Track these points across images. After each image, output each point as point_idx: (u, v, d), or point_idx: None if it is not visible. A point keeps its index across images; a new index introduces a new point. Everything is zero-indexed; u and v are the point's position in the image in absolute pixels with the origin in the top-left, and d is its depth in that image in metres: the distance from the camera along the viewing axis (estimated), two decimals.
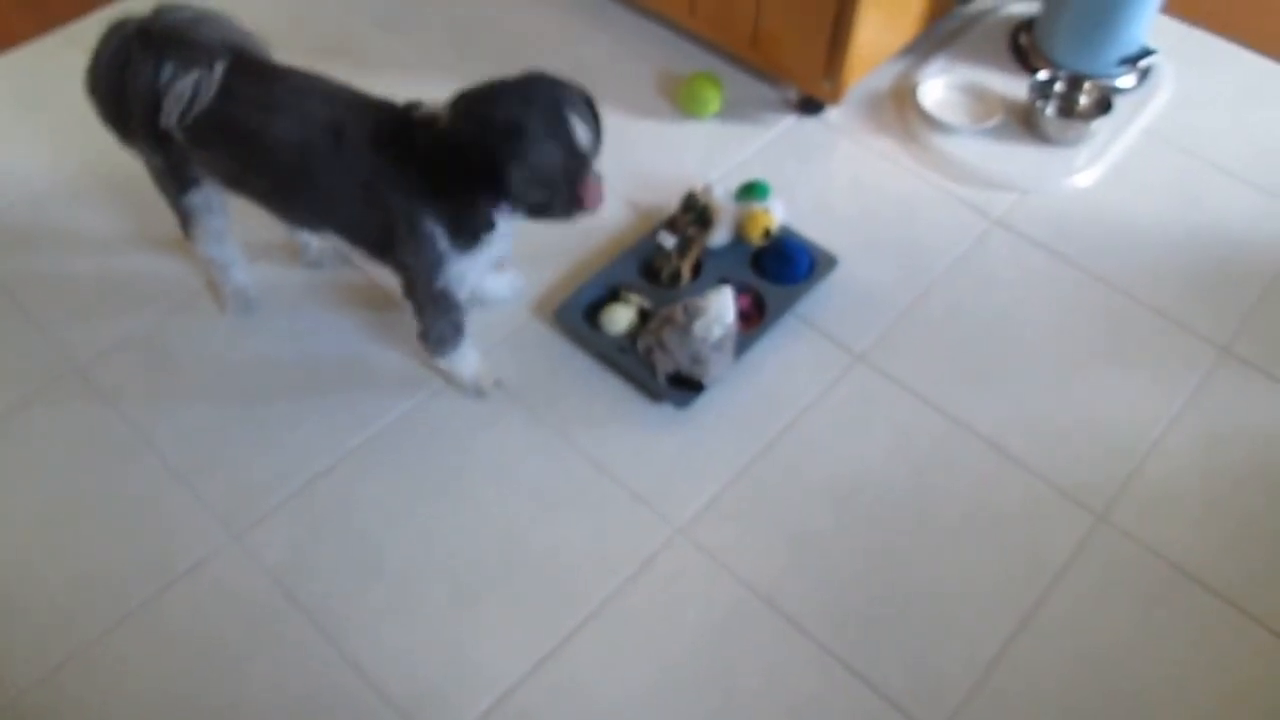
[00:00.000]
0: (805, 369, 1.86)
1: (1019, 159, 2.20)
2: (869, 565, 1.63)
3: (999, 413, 1.81)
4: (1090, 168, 2.19)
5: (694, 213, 1.93)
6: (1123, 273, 2.03)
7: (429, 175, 1.45)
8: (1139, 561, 1.65)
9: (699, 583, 1.61)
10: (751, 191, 1.97)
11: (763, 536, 1.66)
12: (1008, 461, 1.76)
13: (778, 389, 1.83)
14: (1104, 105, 2.22)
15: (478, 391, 1.79)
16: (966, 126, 2.23)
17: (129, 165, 1.70)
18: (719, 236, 1.94)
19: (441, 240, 1.53)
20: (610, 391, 1.82)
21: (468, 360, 1.77)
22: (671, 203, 2.04)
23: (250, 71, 1.50)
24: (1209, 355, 1.91)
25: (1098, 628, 1.57)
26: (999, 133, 2.23)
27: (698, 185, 2.02)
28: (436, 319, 1.68)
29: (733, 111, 2.30)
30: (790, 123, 2.29)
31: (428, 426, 1.77)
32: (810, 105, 2.28)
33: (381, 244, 1.57)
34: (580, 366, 1.85)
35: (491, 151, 1.39)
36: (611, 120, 2.31)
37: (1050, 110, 2.25)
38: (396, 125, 1.47)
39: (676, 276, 1.89)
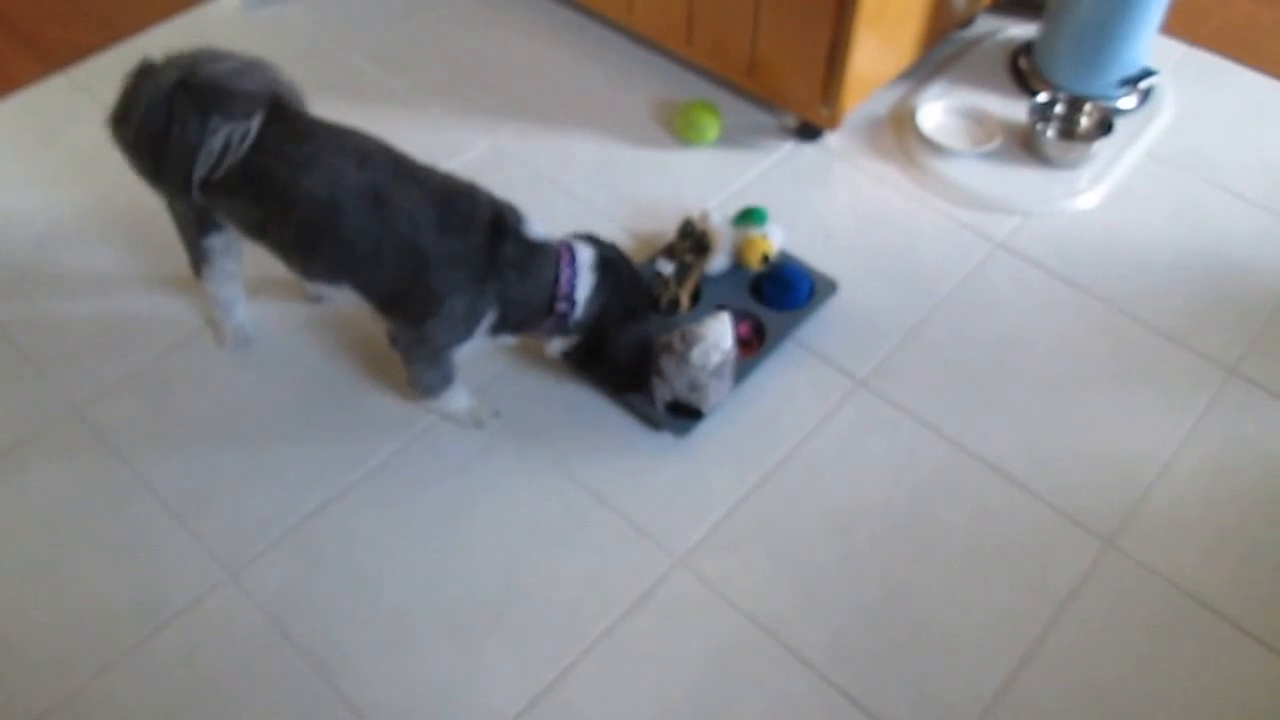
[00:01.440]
0: (806, 395, 1.84)
1: (1020, 182, 2.18)
2: (872, 595, 1.60)
3: (1003, 438, 1.79)
4: (1092, 190, 2.17)
5: (691, 239, 1.92)
6: (1127, 295, 2.00)
7: (520, 285, 1.55)
8: (1148, 589, 1.61)
9: (700, 614, 1.58)
10: (749, 217, 1.96)
11: (764, 566, 1.63)
12: (1013, 487, 1.73)
13: (778, 416, 1.81)
14: (1105, 126, 2.21)
15: (476, 423, 1.77)
16: (966, 150, 2.22)
17: (130, 206, 1.70)
18: (717, 263, 1.92)
19: (487, 322, 1.58)
20: (608, 421, 1.80)
21: (458, 399, 1.75)
22: (669, 230, 2.02)
23: (285, 122, 1.49)
24: (1216, 377, 1.88)
25: (1107, 657, 1.54)
26: (999, 156, 2.22)
27: (695, 212, 2.00)
28: (427, 368, 1.67)
29: (731, 138, 2.29)
30: (789, 149, 2.28)
31: (424, 460, 1.75)
32: (808, 131, 2.27)
33: (399, 303, 1.56)
34: (577, 396, 1.83)
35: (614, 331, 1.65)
36: (609, 149, 2.33)
37: (1051, 132, 2.23)
38: (479, 220, 1.51)
39: (675, 304, 1.87)
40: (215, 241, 1.70)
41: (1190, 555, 1.65)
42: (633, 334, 1.66)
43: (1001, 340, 1.93)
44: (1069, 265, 2.06)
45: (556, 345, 1.71)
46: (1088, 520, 1.69)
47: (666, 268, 1.91)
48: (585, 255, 1.61)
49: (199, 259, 1.74)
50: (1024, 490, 1.72)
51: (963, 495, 1.71)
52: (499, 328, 1.62)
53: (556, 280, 1.59)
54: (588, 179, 2.20)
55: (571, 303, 1.60)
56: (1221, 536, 1.67)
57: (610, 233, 2.08)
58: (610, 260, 1.63)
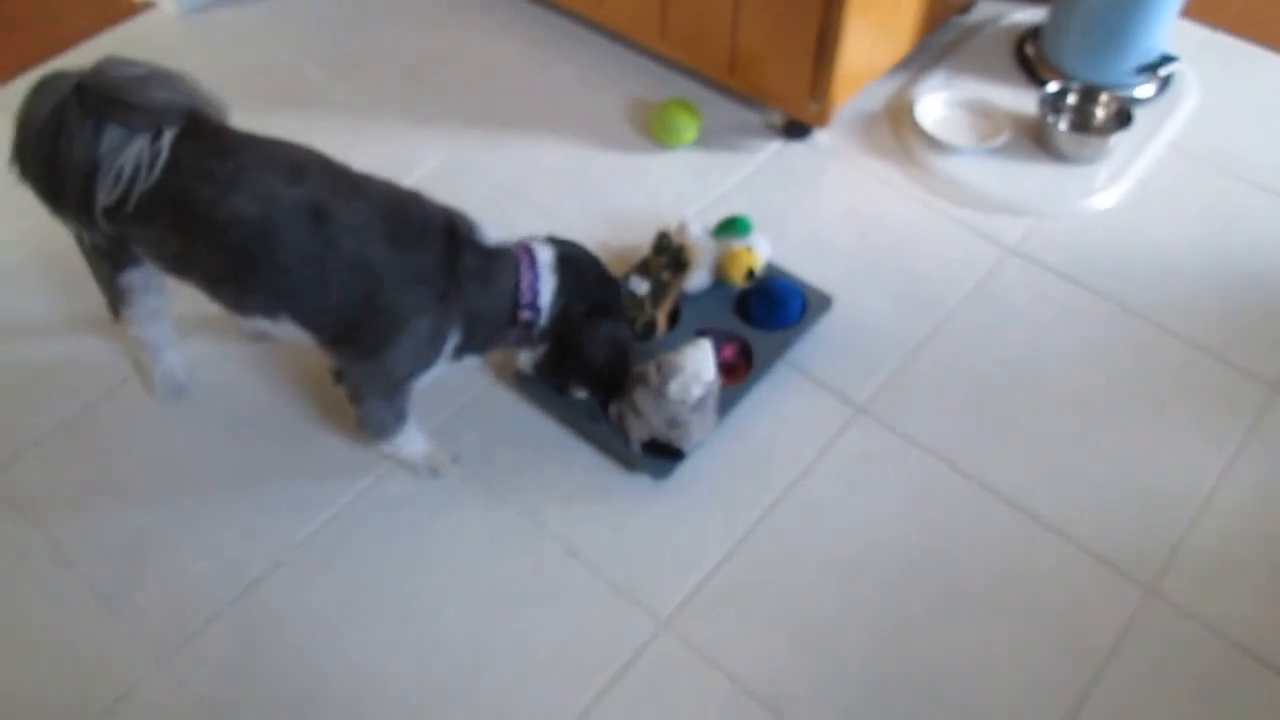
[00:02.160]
0: (800, 425, 1.64)
1: (1031, 180, 1.99)
2: (882, 656, 1.41)
3: (1024, 469, 1.59)
4: (1111, 187, 1.98)
5: (668, 254, 1.72)
6: (1154, 303, 1.81)
7: (483, 298, 1.40)
8: (1196, 641, 1.42)
9: (688, 685, 1.38)
10: (731, 228, 1.76)
11: (759, 627, 1.44)
12: (1037, 527, 1.53)
13: (770, 450, 1.61)
14: (1123, 118, 2.01)
15: (432, 471, 1.58)
16: (971, 146, 2.03)
17: (52, 241, 1.50)
18: (697, 279, 1.73)
19: (451, 343, 1.41)
20: (581, 463, 1.60)
21: (413, 441, 1.55)
22: (646, 242, 1.83)
23: (204, 137, 1.31)
24: (1258, 395, 1.69)
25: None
26: (1007, 151, 2.03)
27: (672, 223, 1.81)
28: (380, 407, 1.48)
29: (711, 139, 2.09)
30: (775, 149, 2.09)
31: (377, 515, 1.55)
32: (797, 129, 2.08)
33: (351, 333, 1.37)
34: (546, 435, 1.64)
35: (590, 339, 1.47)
36: (578, 155, 2.13)
37: (1063, 125, 2.05)
38: (433, 228, 1.36)
39: (651, 327, 1.67)
40: (134, 277, 1.51)
41: (1242, 601, 1.46)
42: (604, 332, 1.48)
43: (1017, 357, 1.74)
44: (1088, 271, 1.86)
45: (526, 359, 1.55)
46: (1125, 564, 1.49)
47: (641, 286, 1.71)
48: (545, 256, 1.45)
49: (116, 298, 1.55)
50: (1051, 530, 1.53)
51: (982, 538, 1.52)
52: (463, 349, 1.44)
53: (518, 287, 1.42)
54: (555, 189, 2.01)
55: (536, 310, 1.43)
56: (1274, 576, 1.48)
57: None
58: (570, 257, 1.47)
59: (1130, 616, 1.44)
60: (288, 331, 1.40)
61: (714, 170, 2.04)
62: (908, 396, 1.68)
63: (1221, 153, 2.07)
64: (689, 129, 2.04)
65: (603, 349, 1.49)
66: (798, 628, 1.44)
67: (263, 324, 1.41)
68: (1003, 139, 2.03)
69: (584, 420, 1.60)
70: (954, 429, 1.64)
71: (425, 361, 1.41)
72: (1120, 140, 2.00)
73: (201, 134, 1.31)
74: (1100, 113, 2.07)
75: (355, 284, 1.32)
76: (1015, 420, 1.66)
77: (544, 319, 1.45)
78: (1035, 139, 2.05)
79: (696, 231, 1.74)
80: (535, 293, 1.43)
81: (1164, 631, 1.43)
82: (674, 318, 1.72)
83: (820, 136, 2.10)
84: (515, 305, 1.43)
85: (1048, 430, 1.64)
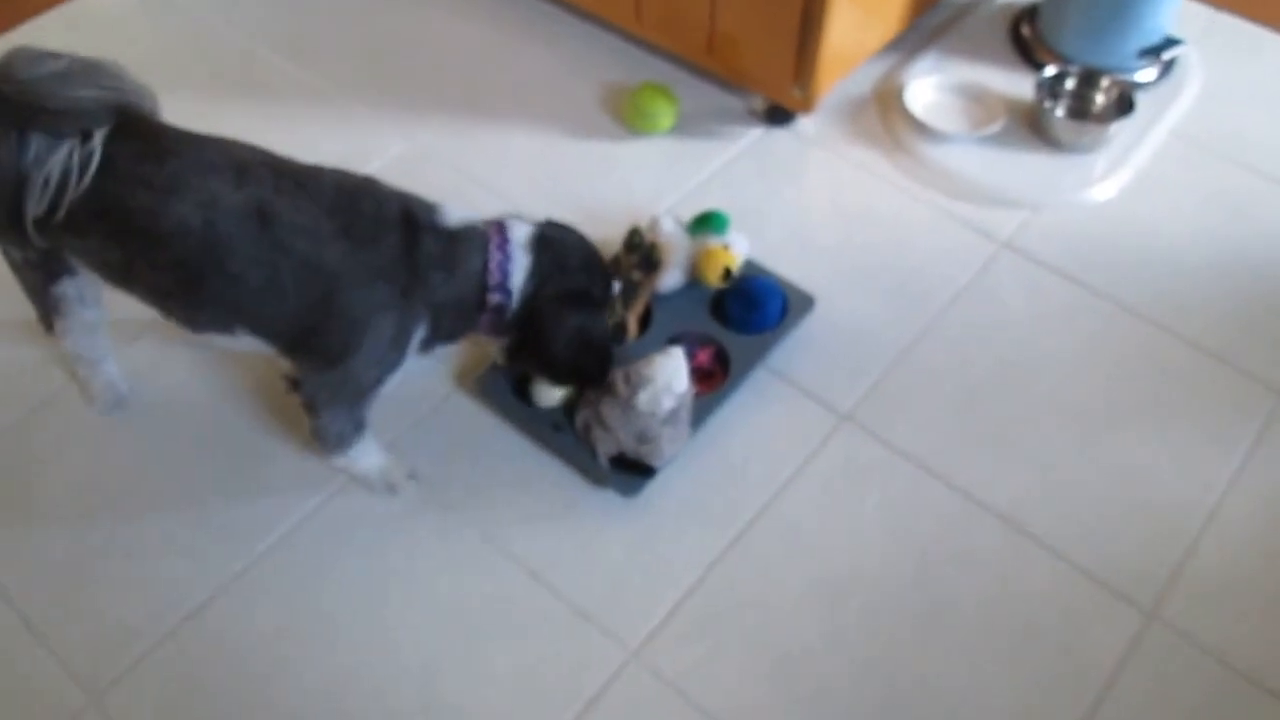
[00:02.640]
0: (780, 436, 1.54)
1: (1027, 169, 1.88)
2: (867, 688, 1.31)
3: (1019, 483, 1.50)
4: (1110, 177, 1.87)
5: (639, 253, 1.61)
6: (1155, 302, 1.71)
7: (448, 285, 1.28)
8: (1199, 670, 1.33)
9: None
10: (707, 224, 1.65)
11: (735, 656, 1.34)
12: (1032, 546, 1.44)
13: (747, 464, 1.51)
14: (1124, 104, 1.90)
15: (389, 488, 1.47)
16: (963, 133, 1.92)
17: None
18: (670, 279, 1.62)
19: (418, 338, 1.31)
20: (545, 479, 1.50)
21: (370, 454, 1.45)
22: (618, 237, 1.71)
23: (138, 138, 1.20)
24: (1265, 401, 1.59)
25: None
26: (1002, 139, 1.92)
27: (644, 219, 1.70)
28: (339, 416, 1.37)
29: (688, 126, 1.98)
30: (756, 136, 1.97)
31: (328, 536, 1.45)
32: (779, 115, 1.97)
33: (312, 341, 1.27)
34: (509, 449, 1.53)
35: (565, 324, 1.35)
36: (548, 143, 2.01)
37: (1061, 111, 1.94)
38: (388, 218, 1.25)
39: (621, 330, 1.57)
40: (68, 288, 1.39)
41: (1245, 627, 1.37)
42: (573, 322, 1.36)
43: (1010, 361, 1.64)
44: (1086, 267, 1.76)
45: (499, 341, 1.44)
46: (1124, 586, 1.40)
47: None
48: (519, 233, 1.33)
49: (49, 311, 1.43)
50: (1046, 550, 1.43)
51: (974, 559, 1.43)
52: (431, 341, 1.34)
53: (486, 268, 1.30)
54: (524, 179, 1.89)
55: (506, 292, 1.31)
56: None
57: None
58: (549, 238, 1.35)
59: (1130, 643, 1.35)
60: (247, 345, 1.29)
61: (691, 159, 1.93)
62: (895, 404, 1.58)
63: (1226, 140, 1.96)
64: (665, 115, 1.93)
65: (569, 342, 1.37)
66: (777, 657, 1.34)
67: (220, 341, 1.30)
68: (997, 126, 1.92)
69: (549, 433, 1.49)
70: (944, 439, 1.54)
71: (391, 364, 1.31)
72: (1121, 128, 1.89)
73: (135, 133, 1.20)
74: (1100, 98, 1.96)
75: (310, 287, 1.22)
76: (1008, 430, 1.56)
77: (516, 301, 1.33)
78: (1031, 126, 1.94)
79: (670, 228, 1.64)
80: (505, 273, 1.31)
81: (1165, 659, 1.34)
82: (645, 320, 1.61)
83: (804, 123, 1.99)
84: (484, 288, 1.31)
85: (1043, 441, 1.54)
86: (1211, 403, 1.59)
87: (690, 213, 1.71)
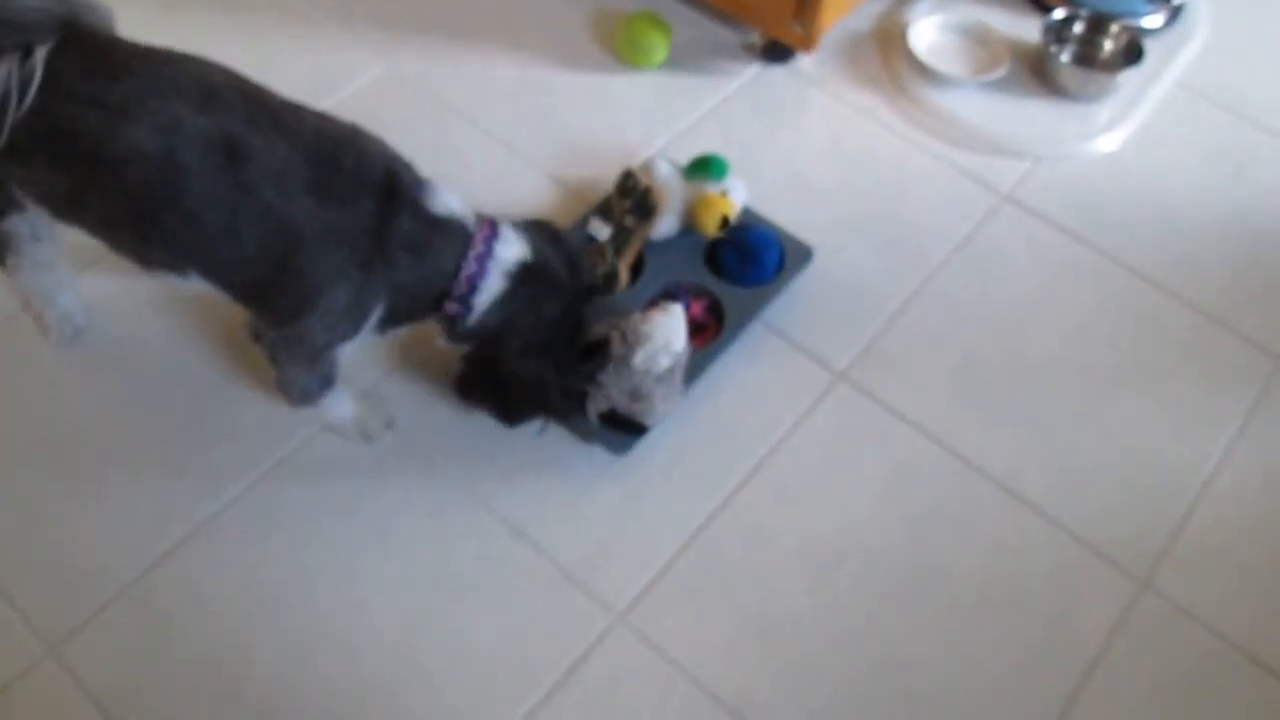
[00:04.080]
0: (774, 394, 1.49)
1: (1030, 118, 1.83)
2: (857, 655, 1.29)
3: (1015, 446, 1.47)
4: (1115, 129, 1.82)
5: (633, 197, 1.54)
6: (1156, 261, 1.67)
7: (412, 271, 1.20)
8: (1194, 643, 1.32)
9: (645, 689, 1.26)
10: (705, 169, 1.57)
11: (725, 623, 1.31)
12: (1028, 512, 1.41)
13: (739, 422, 1.47)
14: (1133, 52, 1.84)
15: (364, 436, 1.41)
16: (966, 77, 1.85)
17: None
18: (665, 225, 1.55)
19: (376, 315, 1.22)
20: (530, 432, 1.44)
21: (341, 404, 1.38)
22: (607, 177, 1.64)
23: (88, 54, 1.09)
24: (1264, 366, 1.57)
25: None
26: (1005, 85, 1.86)
27: (637, 159, 1.62)
28: (301, 372, 1.31)
29: (682, 60, 1.88)
30: (753, 74, 1.89)
31: (299, 487, 1.38)
32: (777, 52, 1.88)
33: (264, 295, 1.20)
34: None
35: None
36: (534, 73, 1.91)
37: (1067, 57, 1.87)
38: (367, 180, 1.16)
39: (612, 278, 1.50)
40: (18, 225, 1.30)
41: (1238, 597, 1.36)
42: (532, 373, 1.29)
43: (1009, 320, 1.60)
44: (1086, 223, 1.71)
45: (455, 343, 1.36)
46: (1119, 555, 1.38)
47: (602, 231, 1.53)
48: (507, 253, 1.23)
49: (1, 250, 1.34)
50: (1042, 517, 1.41)
51: (968, 524, 1.40)
52: (387, 323, 1.26)
53: (457, 272, 1.21)
54: (507, 111, 1.79)
55: (467, 307, 1.24)
56: (1275, 570, 1.38)
57: (535, 180, 1.70)
58: (538, 272, 1.25)
59: (1122, 612, 1.34)
60: (200, 287, 1.21)
61: (684, 96, 1.84)
62: (891, 362, 1.54)
63: (1231, 92, 1.91)
64: (659, 48, 1.83)
65: (521, 390, 1.31)
66: (765, 622, 1.31)
67: (172, 280, 1.22)
68: (1001, 71, 1.85)
69: None
70: (939, 400, 1.51)
71: (345, 333, 1.23)
72: (1129, 77, 1.82)
73: (85, 48, 1.10)
74: (1109, 45, 1.89)
75: (269, 240, 1.13)
76: (1005, 392, 1.52)
77: (470, 321, 1.25)
78: (1036, 72, 1.88)
79: (665, 171, 1.56)
80: (472, 288, 1.22)
81: (1157, 629, 1.33)
82: (637, 268, 1.54)
83: (803, 62, 1.90)
84: (444, 292, 1.23)
85: (1039, 404, 1.51)
86: (1209, 367, 1.56)
87: (683, 153, 1.63)
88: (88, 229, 1.20)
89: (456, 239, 1.21)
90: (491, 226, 1.24)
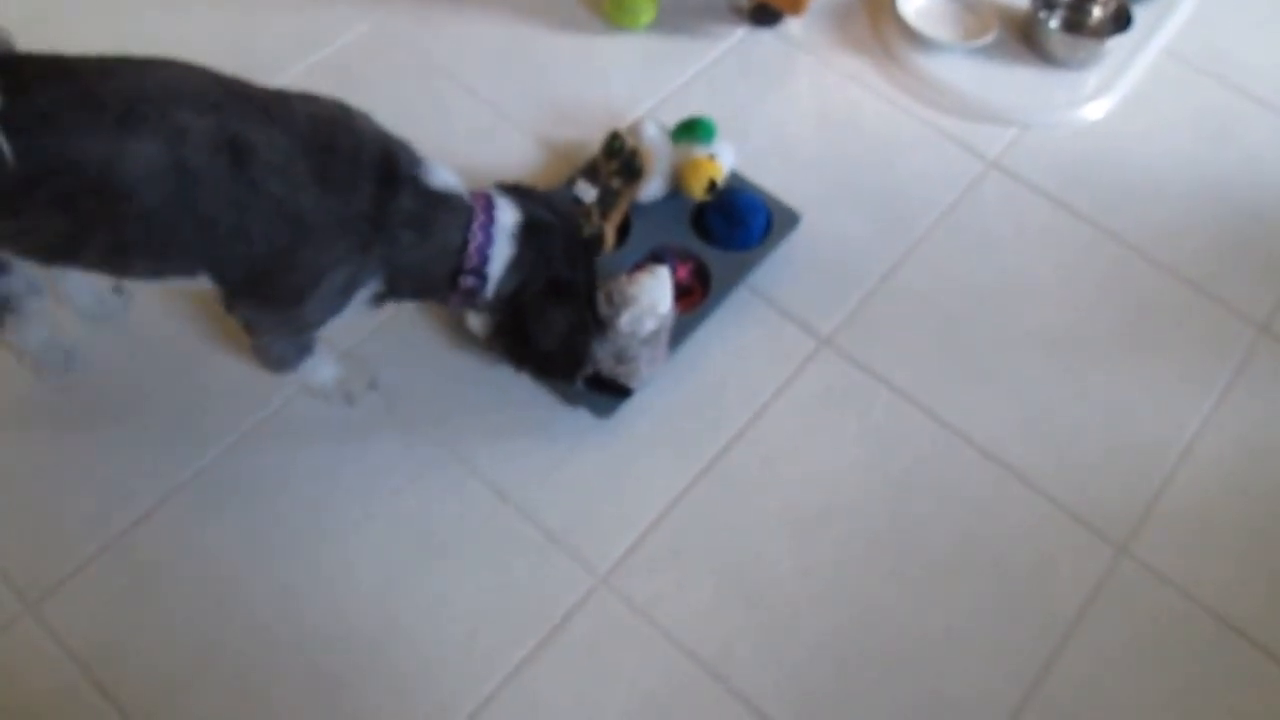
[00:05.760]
0: (759, 358, 1.50)
1: (1018, 84, 1.82)
2: (839, 621, 1.30)
3: (998, 413, 1.47)
4: (1101, 96, 1.82)
5: (620, 159, 1.53)
6: (1141, 229, 1.67)
7: (416, 249, 1.17)
8: (1170, 609, 1.34)
9: (627, 650, 1.27)
10: (693, 131, 1.56)
11: (707, 585, 1.32)
12: (1009, 477, 1.42)
13: (724, 386, 1.47)
14: (1122, 19, 1.83)
15: (346, 398, 1.40)
16: (955, 43, 1.84)
17: None
18: (652, 188, 1.54)
19: (369, 291, 1.21)
20: (514, 395, 1.44)
21: (321, 367, 1.37)
22: (593, 138, 1.62)
23: (53, 81, 1.01)
24: (1245, 336, 1.58)
25: (1123, 693, 1.27)
26: (993, 51, 1.85)
27: (624, 120, 1.60)
28: (279, 340, 1.28)
29: (670, 21, 1.87)
30: (741, 36, 1.87)
31: (281, 447, 1.38)
32: (765, 14, 1.87)
33: (261, 285, 1.16)
34: (475, 362, 1.46)
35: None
36: (520, 33, 1.88)
37: (1056, 23, 1.86)
38: (364, 162, 1.12)
39: (598, 240, 1.49)
40: (10, 284, 1.24)
41: (1214, 563, 1.38)
42: (560, 318, 1.28)
43: (994, 287, 1.60)
44: (1072, 190, 1.72)
45: (475, 321, 1.36)
46: (1097, 521, 1.40)
47: (588, 194, 1.52)
48: (506, 218, 1.22)
49: None
50: (1023, 482, 1.42)
51: (951, 490, 1.41)
52: (385, 297, 1.23)
53: (465, 248, 1.20)
54: (493, 72, 1.78)
55: (482, 278, 1.22)
56: (1257, 539, 1.40)
57: (520, 142, 1.68)
58: (537, 225, 1.24)
59: (1100, 578, 1.36)
60: (190, 285, 1.18)
61: (671, 58, 1.83)
62: (876, 328, 1.54)
63: (1217, 59, 1.91)
64: (646, 8, 1.82)
65: (554, 338, 1.29)
66: (748, 587, 1.32)
67: (178, 284, 1.17)
68: (989, 37, 1.84)
69: None
70: (924, 365, 1.51)
71: (331, 311, 1.21)
72: (1117, 44, 1.82)
73: (44, 75, 1.01)
74: (1097, 11, 1.88)
75: (279, 234, 1.10)
76: (989, 358, 1.53)
77: (490, 290, 1.24)
78: (1024, 38, 1.87)
79: (652, 133, 1.55)
80: (484, 258, 1.21)
81: (1135, 595, 1.35)
82: (623, 231, 1.53)
83: (791, 25, 1.89)
84: (457, 269, 1.21)
85: (1022, 371, 1.52)
86: (1191, 335, 1.57)
87: (671, 116, 1.62)
88: (86, 266, 1.13)
89: (458, 213, 1.19)
90: (486, 197, 1.22)
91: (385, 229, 1.14)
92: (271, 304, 1.19)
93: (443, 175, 1.19)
